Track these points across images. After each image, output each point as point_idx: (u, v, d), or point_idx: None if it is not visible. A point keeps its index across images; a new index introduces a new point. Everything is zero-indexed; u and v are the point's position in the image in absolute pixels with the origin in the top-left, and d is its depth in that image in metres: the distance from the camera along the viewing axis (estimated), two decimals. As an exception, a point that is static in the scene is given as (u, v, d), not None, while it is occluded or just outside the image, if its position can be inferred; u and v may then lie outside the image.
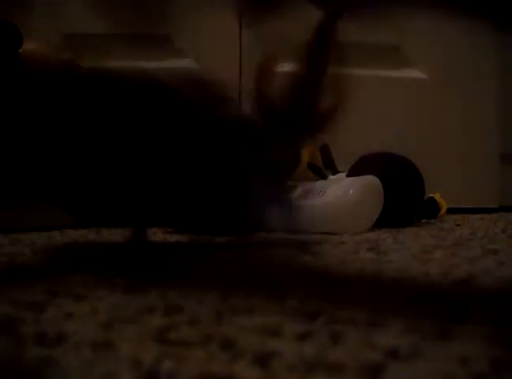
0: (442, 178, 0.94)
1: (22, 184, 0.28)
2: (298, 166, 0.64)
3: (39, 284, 0.26)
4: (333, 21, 0.43)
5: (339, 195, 0.56)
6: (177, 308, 0.20)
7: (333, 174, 0.73)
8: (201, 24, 0.98)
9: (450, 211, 0.82)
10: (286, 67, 1.01)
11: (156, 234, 0.52)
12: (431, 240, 0.47)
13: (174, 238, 0.50)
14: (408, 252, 0.39)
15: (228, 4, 1.02)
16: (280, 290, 0.24)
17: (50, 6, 0.95)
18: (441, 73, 1.01)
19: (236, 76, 0.97)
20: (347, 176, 0.66)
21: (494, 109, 1.04)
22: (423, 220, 0.71)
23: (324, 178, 0.71)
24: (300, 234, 0.54)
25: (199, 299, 0.22)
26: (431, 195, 0.73)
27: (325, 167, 0.75)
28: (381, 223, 0.61)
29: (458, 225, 0.67)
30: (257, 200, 0.38)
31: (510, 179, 1.07)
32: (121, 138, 0.27)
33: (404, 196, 0.63)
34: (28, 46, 0.43)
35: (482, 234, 0.53)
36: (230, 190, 0.34)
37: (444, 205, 0.75)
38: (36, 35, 0.64)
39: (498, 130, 1.04)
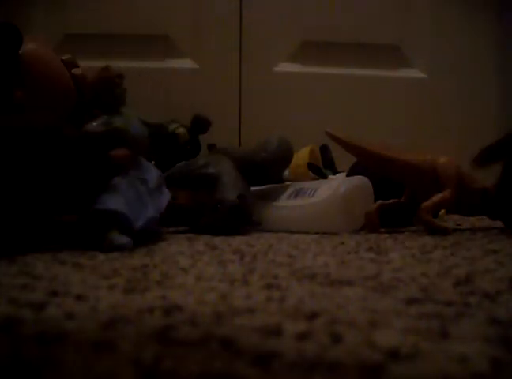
0: (442, 178, 0.94)
1: None
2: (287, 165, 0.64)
3: (39, 284, 0.26)
4: None
5: (329, 195, 0.56)
6: (177, 308, 0.20)
7: (333, 174, 0.74)
8: (201, 24, 0.98)
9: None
10: (285, 67, 1.00)
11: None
12: (430, 240, 0.47)
13: (173, 237, 0.50)
14: (408, 252, 0.39)
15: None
16: (282, 289, 0.24)
17: (50, 6, 0.95)
18: (441, 73, 1.01)
19: (236, 76, 0.98)
20: (347, 176, 0.66)
21: (494, 109, 1.04)
22: (423, 220, 0.71)
23: (324, 177, 0.71)
24: (298, 234, 0.54)
25: (199, 299, 0.22)
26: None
27: (325, 167, 0.75)
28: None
29: (458, 225, 0.67)
30: None
31: (509, 179, 1.07)
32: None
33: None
34: (28, 46, 0.43)
35: (482, 234, 0.53)
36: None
37: (444, 205, 0.75)
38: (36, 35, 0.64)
39: (498, 130, 1.04)
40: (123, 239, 0.39)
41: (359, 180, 0.59)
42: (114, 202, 0.40)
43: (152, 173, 0.46)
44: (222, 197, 0.54)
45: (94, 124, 0.43)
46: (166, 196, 0.47)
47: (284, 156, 0.61)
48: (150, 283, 0.26)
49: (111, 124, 0.43)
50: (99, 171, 0.41)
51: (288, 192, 0.60)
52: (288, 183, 0.64)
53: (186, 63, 0.97)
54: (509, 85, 1.04)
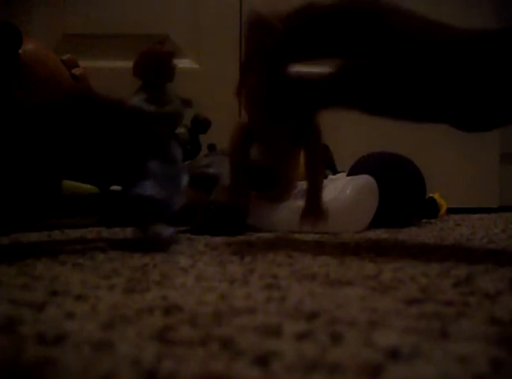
0: (442, 178, 0.94)
1: None
2: None
3: (39, 284, 0.26)
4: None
5: (335, 195, 0.56)
6: (177, 308, 0.20)
7: (333, 174, 0.74)
8: (201, 24, 0.98)
9: (450, 211, 0.82)
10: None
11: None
12: (431, 240, 0.47)
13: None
14: (408, 252, 0.39)
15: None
16: (282, 289, 0.24)
17: (50, 6, 0.95)
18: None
19: (236, 76, 0.98)
20: (347, 176, 0.66)
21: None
22: (423, 220, 0.71)
23: (324, 177, 0.71)
24: (299, 234, 0.54)
25: (199, 299, 0.22)
26: (430, 195, 0.73)
27: (325, 167, 0.75)
28: (381, 223, 0.61)
29: (458, 225, 0.67)
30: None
31: (510, 179, 1.07)
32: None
33: (404, 196, 0.63)
34: (28, 46, 0.43)
35: (482, 234, 0.53)
36: None
37: (444, 205, 0.75)
38: (36, 35, 0.64)
39: (498, 130, 1.04)
40: (169, 230, 0.39)
41: (364, 179, 0.59)
42: (153, 189, 0.39)
43: (176, 149, 0.45)
44: (216, 198, 0.55)
45: (143, 100, 0.41)
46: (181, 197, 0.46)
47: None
48: (150, 283, 0.26)
49: (164, 102, 0.42)
50: (142, 147, 0.40)
51: (294, 192, 0.60)
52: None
53: (186, 63, 0.97)
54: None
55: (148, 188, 0.39)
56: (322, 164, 0.46)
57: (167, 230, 0.39)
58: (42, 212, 0.39)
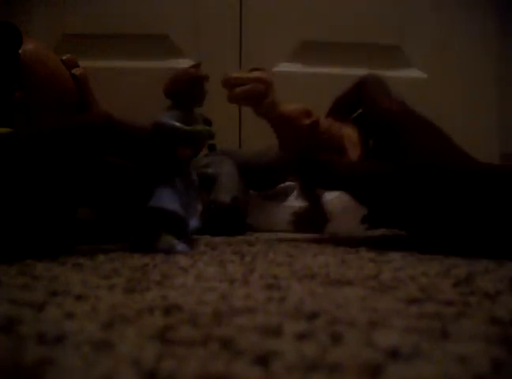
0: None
1: None
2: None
3: (39, 284, 0.26)
4: None
5: (335, 195, 0.56)
6: (177, 308, 0.20)
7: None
8: (200, 24, 0.98)
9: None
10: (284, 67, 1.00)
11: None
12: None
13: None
14: (408, 251, 0.39)
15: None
16: (282, 289, 0.24)
17: (50, 6, 0.95)
18: (442, 73, 1.01)
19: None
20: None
21: (494, 109, 1.03)
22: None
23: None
24: (299, 234, 0.54)
25: (199, 299, 0.22)
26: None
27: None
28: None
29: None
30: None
31: (510, 179, 1.07)
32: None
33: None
34: (28, 46, 0.43)
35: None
36: None
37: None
38: (36, 35, 0.64)
39: (498, 130, 1.04)
40: (184, 248, 0.38)
41: None
42: (172, 203, 0.38)
43: (195, 176, 0.45)
44: (215, 198, 0.55)
45: (172, 118, 0.41)
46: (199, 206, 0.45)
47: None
48: (150, 283, 0.26)
49: (191, 124, 0.41)
50: (164, 166, 0.40)
51: (296, 192, 0.60)
52: (294, 183, 0.64)
53: (186, 63, 0.97)
54: (509, 85, 1.04)
55: (168, 200, 0.38)
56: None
57: (180, 246, 0.38)
58: (54, 238, 0.39)
